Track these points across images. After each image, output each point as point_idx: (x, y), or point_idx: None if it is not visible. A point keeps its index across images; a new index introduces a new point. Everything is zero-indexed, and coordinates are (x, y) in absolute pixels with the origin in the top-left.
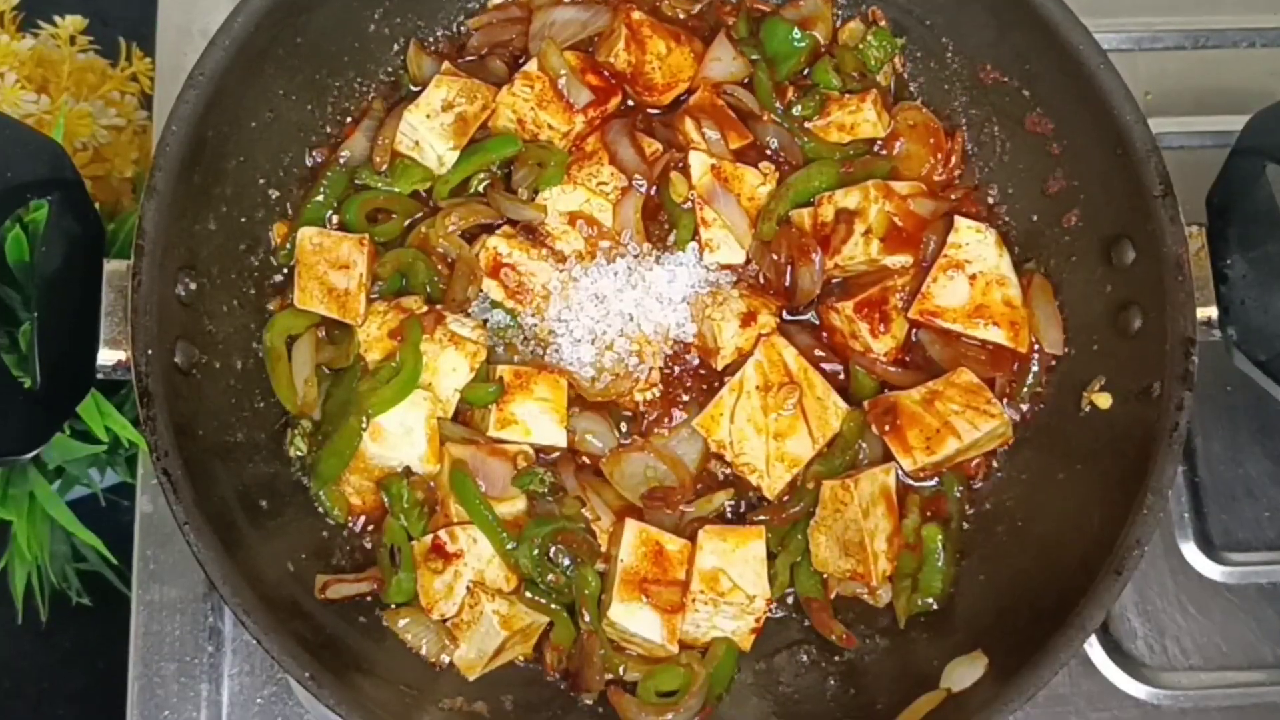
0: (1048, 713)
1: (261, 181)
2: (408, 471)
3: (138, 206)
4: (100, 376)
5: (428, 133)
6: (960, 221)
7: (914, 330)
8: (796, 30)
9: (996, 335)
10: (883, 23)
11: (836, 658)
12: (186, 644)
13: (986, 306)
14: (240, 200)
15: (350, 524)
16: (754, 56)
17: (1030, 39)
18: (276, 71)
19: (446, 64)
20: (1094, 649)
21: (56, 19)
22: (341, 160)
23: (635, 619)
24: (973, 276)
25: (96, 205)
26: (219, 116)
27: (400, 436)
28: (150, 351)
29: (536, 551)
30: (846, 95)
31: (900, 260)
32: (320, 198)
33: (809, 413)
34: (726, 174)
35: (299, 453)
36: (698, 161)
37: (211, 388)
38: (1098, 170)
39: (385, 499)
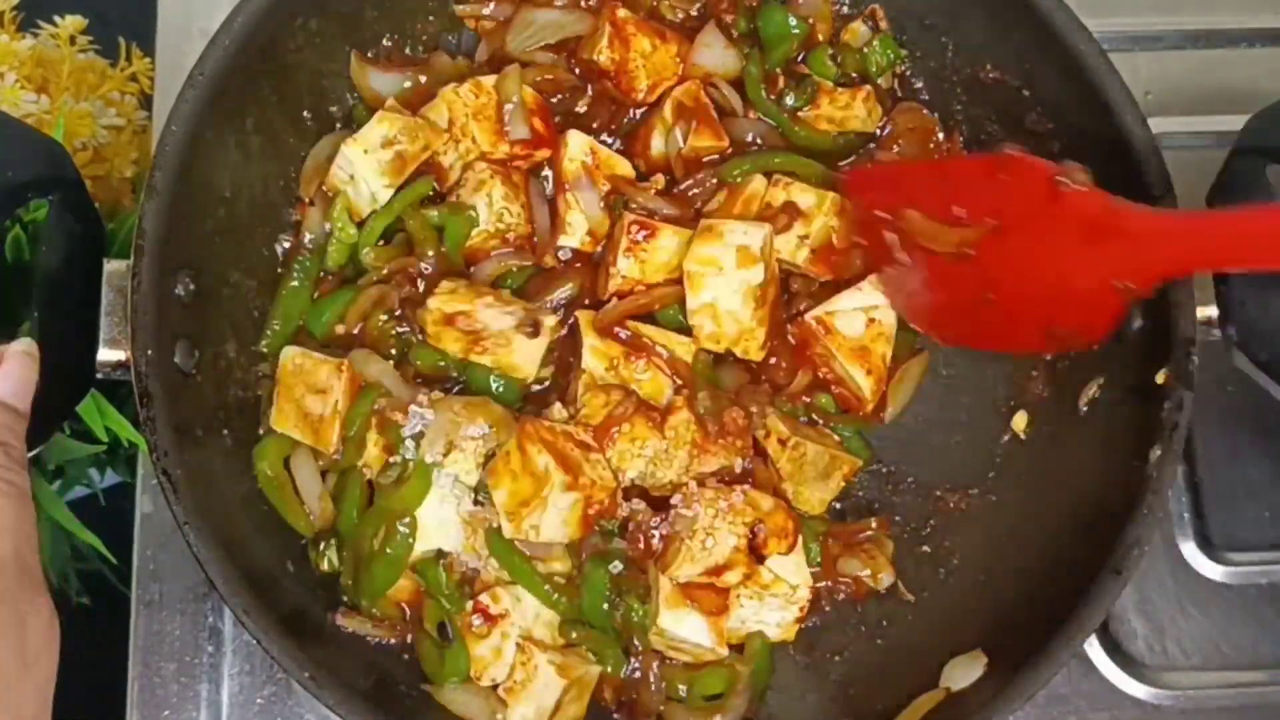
0: (1047, 713)
1: (263, 181)
2: (439, 553)
3: (138, 206)
4: (100, 376)
5: (363, 168)
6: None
7: (790, 325)
8: (793, 17)
9: (862, 381)
10: (884, 23)
11: (836, 657)
12: (186, 644)
13: (870, 352)
14: (240, 200)
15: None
16: (747, 49)
17: (1030, 39)
18: (278, 70)
19: (391, 100)
20: (1094, 649)
21: (56, 19)
22: (307, 242)
23: (684, 625)
24: (871, 320)
25: (96, 205)
26: (219, 117)
27: (434, 529)
28: (150, 352)
29: (605, 604)
30: (839, 89)
31: (815, 273)
32: (295, 283)
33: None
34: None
35: (332, 569)
36: (576, 143)
37: (212, 388)
38: (1098, 170)
39: (422, 583)
